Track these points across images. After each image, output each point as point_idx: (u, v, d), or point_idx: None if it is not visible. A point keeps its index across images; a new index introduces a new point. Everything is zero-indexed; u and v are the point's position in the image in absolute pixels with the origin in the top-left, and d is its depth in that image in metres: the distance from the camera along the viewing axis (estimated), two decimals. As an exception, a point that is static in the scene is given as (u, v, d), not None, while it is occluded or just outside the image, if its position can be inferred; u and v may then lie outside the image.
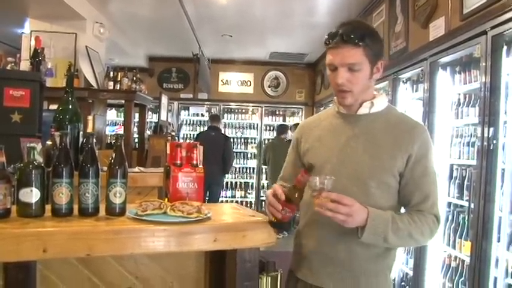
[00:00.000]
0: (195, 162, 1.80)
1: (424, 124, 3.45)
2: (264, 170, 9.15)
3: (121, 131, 4.96)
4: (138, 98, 4.99)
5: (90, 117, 2.51)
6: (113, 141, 4.90)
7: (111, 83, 4.95)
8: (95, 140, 1.60)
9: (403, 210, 1.72)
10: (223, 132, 8.34)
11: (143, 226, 1.41)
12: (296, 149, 1.88)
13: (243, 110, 9.45)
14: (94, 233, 1.35)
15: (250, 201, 9.21)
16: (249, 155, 9.36)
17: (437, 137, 3.57)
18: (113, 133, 7.89)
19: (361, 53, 1.60)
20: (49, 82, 4.69)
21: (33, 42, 4.25)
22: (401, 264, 4.15)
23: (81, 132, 2.37)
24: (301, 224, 1.81)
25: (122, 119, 5.71)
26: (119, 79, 4.96)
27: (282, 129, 7.55)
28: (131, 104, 4.93)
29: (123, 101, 5.06)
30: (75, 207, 1.51)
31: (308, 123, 1.93)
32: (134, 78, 5.03)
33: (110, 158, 1.54)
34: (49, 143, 2.07)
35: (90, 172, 1.50)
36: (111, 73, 5.03)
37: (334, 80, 1.65)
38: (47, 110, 3.70)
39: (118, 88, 4.95)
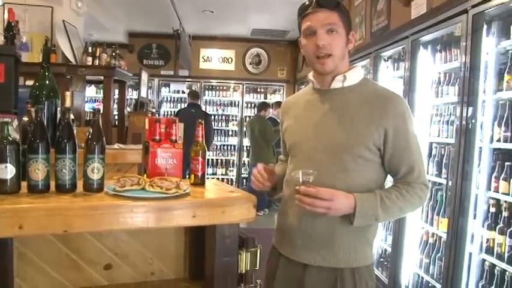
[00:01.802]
0: (174, 137, 1.78)
1: (405, 102, 3.47)
2: (245, 148, 9.17)
3: (101, 107, 4.87)
4: (117, 74, 4.91)
5: (68, 93, 2.44)
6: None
7: (89, 59, 4.85)
8: (72, 116, 1.57)
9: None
10: (203, 109, 8.32)
11: (121, 202, 1.40)
12: (281, 128, 1.92)
13: (224, 87, 9.39)
14: (71, 209, 1.33)
15: (231, 179, 9.22)
16: (230, 133, 9.34)
17: (418, 115, 3.60)
18: (92, 110, 7.77)
19: (337, 15, 1.64)
20: (25, 57, 4.57)
21: (6, 15, 4.13)
22: (380, 241, 4.22)
23: (59, 109, 2.33)
24: (283, 201, 1.83)
25: (102, 95, 5.62)
26: (97, 55, 4.86)
27: (262, 106, 7.55)
28: (110, 80, 4.85)
29: (102, 78, 4.97)
30: (52, 184, 1.49)
31: (287, 102, 1.95)
32: (113, 54, 4.94)
33: (87, 134, 1.51)
34: (25, 119, 2.03)
35: (67, 147, 1.47)
36: (90, 48, 4.92)
37: (314, 44, 1.64)
38: (23, 86, 3.62)
39: (97, 64, 4.86)
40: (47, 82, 2.29)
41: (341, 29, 1.65)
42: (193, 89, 8.73)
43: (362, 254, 1.70)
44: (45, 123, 1.50)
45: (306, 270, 1.69)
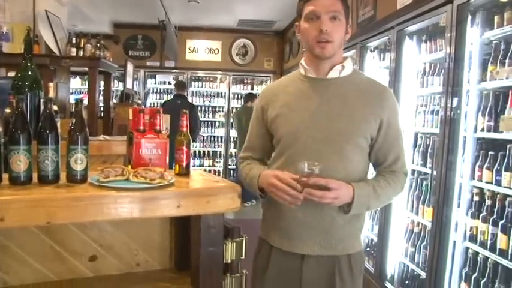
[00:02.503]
0: (158, 128, 1.77)
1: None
2: (232, 139, 9.16)
3: (86, 99, 4.82)
4: (102, 65, 4.87)
5: (51, 84, 2.43)
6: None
7: (73, 50, 4.80)
8: (56, 107, 1.55)
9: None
10: (190, 100, 8.28)
11: (105, 193, 1.39)
12: (262, 118, 1.84)
13: (211, 79, 9.36)
14: (54, 200, 1.32)
15: (219, 170, 9.21)
16: (217, 124, 9.32)
17: (403, 105, 3.62)
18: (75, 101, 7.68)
19: (341, 5, 1.65)
20: (6, 47, 4.51)
21: (-14, 5, 4.06)
22: (366, 230, 4.26)
23: (42, 100, 2.30)
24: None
25: (87, 87, 5.57)
26: (82, 45, 4.81)
27: (249, 97, 7.53)
28: (95, 72, 4.80)
29: (86, 69, 4.92)
30: (35, 175, 1.47)
31: (271, 89, 1.89)
32: (98, 44, 4.89)
33: (70, 124, 1.50)
34: (7, 110, 2.00)
35: (49, 138, 1.46)
36: (74, 39, 4.87)
37: (317, 28, 1.64)
38: (5, 77, 3.57)
39: (81, 55, 4.81)
40: (30, 73, 2.26)
41: (343, 17, 1.66)
42: (180, 79, 8.68)
43: (356, 241, 1.76)
44: (27, 114, 1.48)
45: (304, 260, 1.70)
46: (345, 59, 1.76)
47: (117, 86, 8.11)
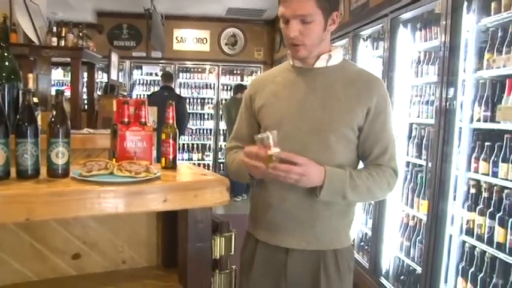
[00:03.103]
0: (143, 120, 1.76)
1: (384, 83, 3.49)
2: (221, 132, 9.15)
3: (69, 91, 4.77)
4: (85, 55, 4.80)
5: (30, 75, 2.37)
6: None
7: (54, 39, 4.72)
8: (36, 99, 1.53)
9: (361, 165, 1.78)
10: (177, 92, 8.24)
11: (88, 187, 1.37)
12: (250, 107, 1.85)
13: (199, 69, 9.32)
14: (33, 195, 1.30)
15: (208, 164, 9.21)
16: (206, 116, 9.30)
17: (397, 96, 3.63)
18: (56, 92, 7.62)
19: (313, 4, 1.59)
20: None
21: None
22: (360, 224, 4.28)
23: (20, 92, 2.26)
24: (258, 183, 1.81)
25: (69, 78, 5.51)
26: (63, 35, 4.73)
27: (238, 88, 7.52)
28: (78, 62, 4.74)
29: (69, 59, 4.86)
30: (13, 170, 1.44)
31: (261, 79, 1.91)
32: (80, 34, 4.82)
33: (50, 116, 1.48)
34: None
35: (28, 131, 1.43)
36: (55, 28, 4.79)
37: (287, 33, 1.65)
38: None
39: (63, 45, 4.74)
40: (7, 63, 2.22)
41: (317, 16, 1.61)
42: (167, 70, 8.64)
43: (344, 236, 1.75)
44: (4, 106, 1.45)
45: (288, 254, 1.71)
46: (332, 48, 1.75)
47: (101, 78, 8.03)
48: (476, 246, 2.70)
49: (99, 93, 6.28)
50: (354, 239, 4.27)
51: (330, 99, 1.67)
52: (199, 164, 8.72)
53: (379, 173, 1.68)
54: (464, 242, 2.83)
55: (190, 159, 9.05)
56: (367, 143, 1.70)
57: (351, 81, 1.69)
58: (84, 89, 5.35)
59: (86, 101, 5.38)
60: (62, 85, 8.52)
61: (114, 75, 6.33)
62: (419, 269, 3.21)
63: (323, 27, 1.65)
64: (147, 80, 9.26)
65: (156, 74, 9.19)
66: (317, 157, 1.62)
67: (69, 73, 5.44)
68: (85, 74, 5.33)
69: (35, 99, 1.51)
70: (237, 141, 1.91)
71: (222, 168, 9.02)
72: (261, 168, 1.55)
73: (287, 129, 1.67)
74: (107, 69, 6.80)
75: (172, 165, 1.73)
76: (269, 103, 1.76)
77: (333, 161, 1.64)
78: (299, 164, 1.52)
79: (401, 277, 3.55)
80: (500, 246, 2.50)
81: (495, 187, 2.61)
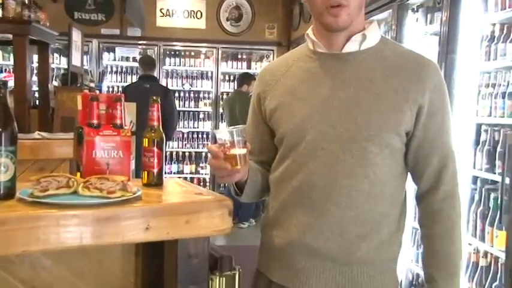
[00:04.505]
0: (118, 121, 1.78)
1: (441, 69, 3.48)
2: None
3: (11, 80, 4.77)
4: (34, 31, 4.81)
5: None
6: None
7: (-14, 8, 4.74)
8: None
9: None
10: (162, 83, 8.27)
11: (42, 212, 1.38)
12: (259, 110, 1.87)
13: (192, 53, 9.36)
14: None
15: (204, 179, 9.27)
16: (201, 116, 9.34)
17: (460, 86, 3.61)
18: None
19: None
20: None
21: None
22: (410, 262, 4.25)
23: None
24: (272, 206, 1.82)
25: (12, 62, 5.53)
26: (0, 2, 4.74)
27: (244, 79, 7.57)
28: (24, 41, 4.73)
29: (10, 36, 4.87)
30: None
31: (272, 71, 1.90)
32: (27, 1, 4.84)
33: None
34: None
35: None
36: (-15, -8, 4.81)
37: None
38: None
39: (0, 16, 4.73)
40: None
41: None
42: (148, 54, 8.67)
43: (390, 276, 1.76)
44: None
45: None
46: (368, 25, 1.75)
47: (58, 63, 8.09)
48: None
49: (55, 83, 6.32)
50: (401, 281, 4.25)
51: (366, 96, 1.66)
52: (192, 180, 8.76)
53: (439, 231, 1.73)
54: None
55: (180, 172, 9.08)
56: (420, 154, 1.70)
57: (394, 69, 1.68)
58: (34, 78, 5.37)
59: (36, 94, 5.41)
60: (1, 71, 8.49)
61: (76, 60, 6.36)
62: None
63: None
64: (121, 67, 9.29)
65: (135, 59, 9.20)
66: (352, 173, 1.63)
67: (11, 55, 5.45)
68: (35, 57, 5.34)
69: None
70: None
71: (222, 185, 9.01)
72: (225, 169, 1.58)
73: (309, 138, 1.67)
74: (66, 52, 6.84)
75: (157, 181, 1.74)
76: (284, 104, 1.76)
77: (374, 179, 1.65)
78: None
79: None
80: None
81: None
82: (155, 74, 7.00)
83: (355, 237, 1.67)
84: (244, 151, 1.58)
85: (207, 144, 9.20)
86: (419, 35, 4.25)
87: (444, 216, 1.71)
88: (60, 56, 8.07)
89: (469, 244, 3.56)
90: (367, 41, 1.71)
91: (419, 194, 1.76)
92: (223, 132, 1.59)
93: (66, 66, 6.94)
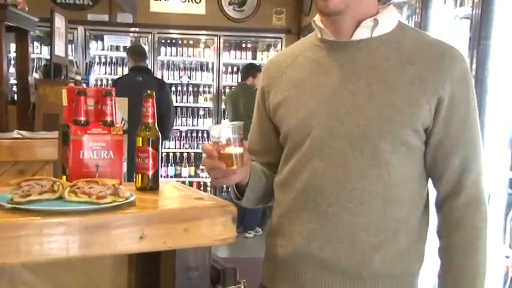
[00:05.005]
0: (109, 118, 1.79)
1: (473, 59, 3.48)
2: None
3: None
4: (11, 17, 4.81)
5: None
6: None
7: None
8: None
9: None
10: (157, 75, 8.28)
11: (24, 220, 1.39)
12: (263, 106, 1.89)
13: (191, 42, 9.38)
14: None
15: (204, 182, 9.29)
16: (201, 112, 9.35)
17: (493, 77, 3.60)
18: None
19: None
20: None
21: None
22: (437, 276, 4.23)
23: None
24: (276, 212, 1.83)
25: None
26: (-31, -17, 4.76)
27: (249, 71, 7.60)
28: (0, 27, 4.78)
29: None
30: None
31: (277, 62, 1.91)
32: (1, -19, 4.86)
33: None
34: None
35: None
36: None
37: None
38: None
39: (-31, -2, 4.76)
40: None
41: None
42: (138, 43, 8.68)
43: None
44: None
45: None
46: (382, 9, 1.74)
47: (39, 53, 8.11)
48: None
49: (36, 76, 6.34)
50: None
51: (379, 87, 1.65)
52: (191, 184, 8.77)
53: (462, 242, 1.69)
54: None
55: (177, 175, 9.11)
56: (439, 153, 1.68)
57: (411, 58, 1.67)
58: (12, 69, 5.38)
59: (15, 89, 5.43)
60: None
61: (60, 50, 6.38)
62: None
63: None
64: (111, 58, 9.31)
65: (126, 49, 9.20)
66: (363, 174, 1.63)
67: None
68: (12, 46, 5.35)
69: None
70: (249, 154, 1.95)
71: (225, 190, 8.99)
72: (219, 170, 1.60)
73: (315, 135, 1.68)
74: (48, 40, 6.86)
75: (152, 185, 1.75)
76: (289, 98, 1.77)
77: (388, 180, 1.64)
78: None
79: None
80: None
81: None
82: (148, 65, 6.99)
83: (368, 246, 1.66)
84: (241, 150, 1.59)
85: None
86: (448, 19, 4.24)
87: (466, 224, 1.69)
88: (41, 45, 8.09)
89: (506, 257, 3.55)
90: (380, 26, 1.70)
91: (439, 199, 1.75)
92: (218, 129, 1.61)
93: (48, 57, 6.95)
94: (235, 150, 1.58)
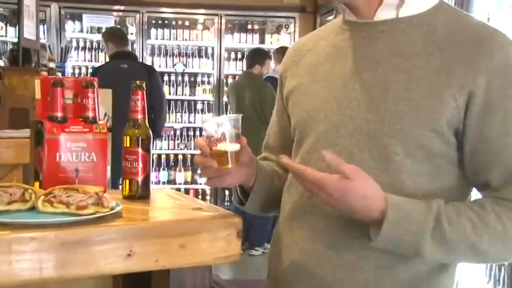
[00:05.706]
0: (90, 114, 1.80)
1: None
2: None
3: None
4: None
5: None
6: None
7: None
8: None
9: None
10: (145, 62, 8.30)
11: (-10, 235, 1.40)
12: (281, 95, 1.91)
13: (187, 23, 9.42)
14: None
15: (203, 190, 9.34)
16: (199, 106, 9.42)
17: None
18: None
19: None
20: None
21: None
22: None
23: None
24: (280, 219, 1.84)
25: None
26: None
27: (255, 57, 7.62)
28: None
29: None
30: None
31: (299, 45, 1.94)
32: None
33: None
34: None
35: None
36: None
37: None
38: None
39: None
40: None
41: None
42: (127, 24, 8.71)
43: None
44: None
45: None
46: None
47: (4, 34, 8.13)
48: None
49: (1, 63, 6.36)
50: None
51: (398, 77, 1.63)
52: (187, 191, 8.81)
53: (501, 213, 1.56)
54: None
55: (171, 181, 9.15)
56: (476, 162, 1.62)
57: (441, 44, 1.63)
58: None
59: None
60: None
61: (29, 31, 6.41)
62: None
63: None
64: (91, 42, 9.37)
65: (102, 33, 9.18)
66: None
67: None
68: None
69: None
70: (266, 150, 1.97)
71: (228, 198, 8.98)
72: (211, 169, 1.59)
73: (321, 131, 1.69)
74: (14, 20, 6.88)
75: (141, 193, 1.77)
76: (301, 85, 1.79)
77: (402, 191, 1.58)
78: (346, 177, 1.49)
79: None
80: None
81: None
82: (130, 49, 6.98)
83: (374, 267, 1.64)
84: (237, 147, 1.59)
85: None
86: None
87: (507, 211, 1.57)
88: (6, 25, 8.11)
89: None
90: (408, 5, 1.67)
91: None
92: (212, 121, 1.59)
93: (15, 40, 6.98)
94: (230, 146, 1.58)
